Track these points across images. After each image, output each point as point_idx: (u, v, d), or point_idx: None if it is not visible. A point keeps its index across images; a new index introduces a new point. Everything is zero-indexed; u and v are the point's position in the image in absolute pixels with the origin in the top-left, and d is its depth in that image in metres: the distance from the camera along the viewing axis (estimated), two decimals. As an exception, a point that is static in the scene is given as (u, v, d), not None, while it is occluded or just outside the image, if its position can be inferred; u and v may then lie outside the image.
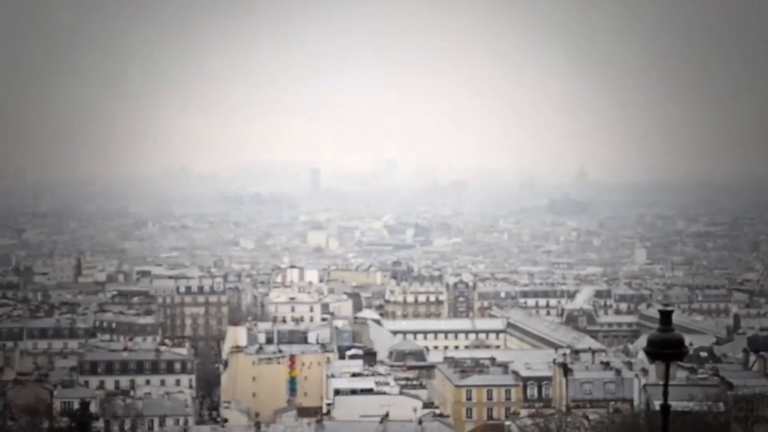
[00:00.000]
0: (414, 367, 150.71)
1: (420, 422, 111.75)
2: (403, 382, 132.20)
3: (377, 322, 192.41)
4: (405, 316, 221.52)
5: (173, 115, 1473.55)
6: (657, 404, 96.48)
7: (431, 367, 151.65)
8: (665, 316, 27.50)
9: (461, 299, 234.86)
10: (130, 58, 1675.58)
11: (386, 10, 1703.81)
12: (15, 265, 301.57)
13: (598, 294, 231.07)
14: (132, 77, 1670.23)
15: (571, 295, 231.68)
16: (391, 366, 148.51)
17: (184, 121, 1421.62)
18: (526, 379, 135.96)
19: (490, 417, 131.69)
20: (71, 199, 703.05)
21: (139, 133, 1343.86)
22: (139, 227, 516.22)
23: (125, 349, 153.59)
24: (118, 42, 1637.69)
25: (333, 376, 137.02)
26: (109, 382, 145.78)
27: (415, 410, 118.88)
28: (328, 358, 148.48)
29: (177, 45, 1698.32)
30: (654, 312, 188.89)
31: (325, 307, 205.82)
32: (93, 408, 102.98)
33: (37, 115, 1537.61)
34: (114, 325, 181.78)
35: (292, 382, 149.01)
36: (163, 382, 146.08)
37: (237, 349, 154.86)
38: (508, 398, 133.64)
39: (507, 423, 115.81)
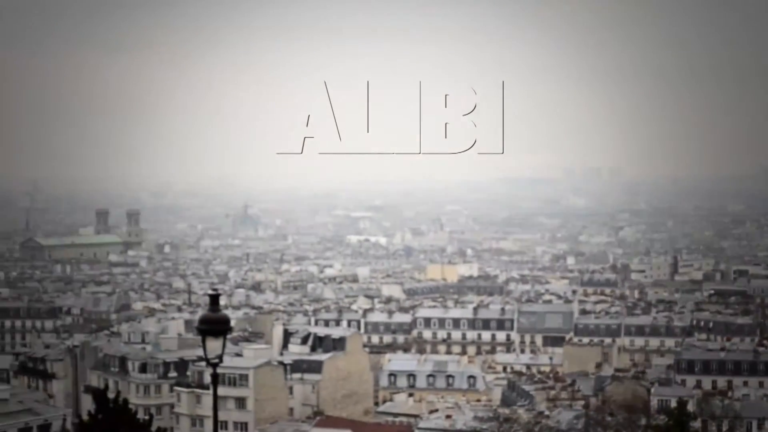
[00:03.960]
0: None
1: None
2: None
3: None
4: None
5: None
6: None
7: None
8: None
9: None
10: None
11: None
12: (612, 262, 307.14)
13: None
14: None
15: None
16: None
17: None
18: None
19: None
20: (667, 197, 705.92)
21: (729, 132, 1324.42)
22: (737, 226, 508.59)
23: (722, 349, 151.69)
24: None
25: None
26: (706, 382, 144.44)
27: None
28: None
29: None
30: None
31: None
32: (690, 407, 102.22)
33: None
34: (711, 324, 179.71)
35: None
36: (761, 384, 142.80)
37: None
38: None
39: None
